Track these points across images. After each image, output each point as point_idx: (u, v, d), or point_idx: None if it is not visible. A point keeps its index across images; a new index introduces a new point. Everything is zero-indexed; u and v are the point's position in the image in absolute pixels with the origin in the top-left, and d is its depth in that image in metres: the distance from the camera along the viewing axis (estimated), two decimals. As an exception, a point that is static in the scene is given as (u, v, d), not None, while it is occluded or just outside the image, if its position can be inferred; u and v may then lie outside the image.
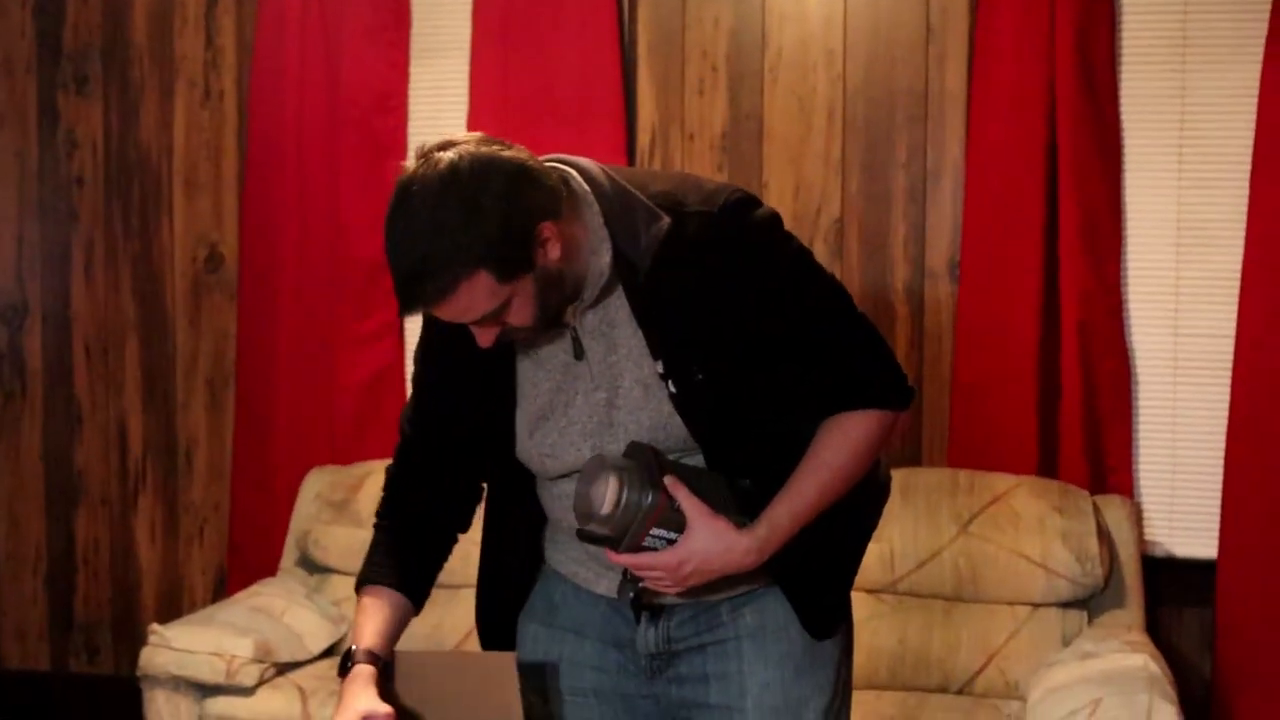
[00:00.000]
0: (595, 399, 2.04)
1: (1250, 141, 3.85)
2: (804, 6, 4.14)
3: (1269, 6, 3.82)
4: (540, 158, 1.96)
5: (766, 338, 2.00)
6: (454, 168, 1.84)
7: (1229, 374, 3.88)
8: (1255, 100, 3.85)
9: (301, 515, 4.20)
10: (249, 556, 4.43)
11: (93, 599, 4.69)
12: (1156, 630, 3.87)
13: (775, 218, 2.03)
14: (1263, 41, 3.84)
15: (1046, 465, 3.96)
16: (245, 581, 4.26)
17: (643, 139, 4.24)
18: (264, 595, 3.99)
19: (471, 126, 4.30)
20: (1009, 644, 3.69)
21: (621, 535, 1.96)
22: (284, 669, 3.78)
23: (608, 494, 1.94)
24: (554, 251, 1.91)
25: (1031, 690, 3.45)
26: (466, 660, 2.36)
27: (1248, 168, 3.85)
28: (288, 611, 3.91)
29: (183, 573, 4.61)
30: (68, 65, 4.64)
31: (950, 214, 4.07)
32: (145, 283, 4.61)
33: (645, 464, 1.97)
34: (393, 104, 4.38)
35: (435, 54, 4.40)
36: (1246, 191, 3.86)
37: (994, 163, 3.98)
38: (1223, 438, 3.88)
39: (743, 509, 2.03)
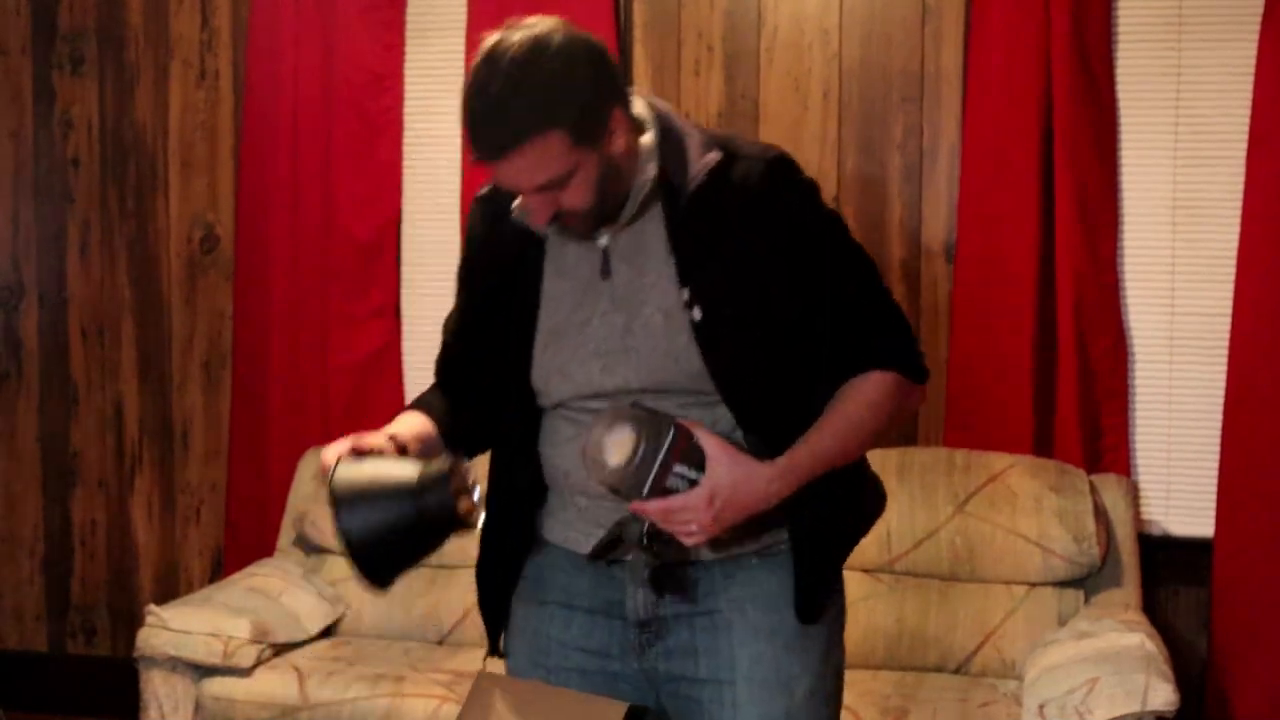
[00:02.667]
0: (613, 321, 2.05)
1: (1246, 119, 3.84)
2: (800, -15, 4.13)
3: (1265, -17, 3.82)
4: None
5: (797, 285, 2.04)
6: (548, 31, 1.94)
7: (1225, 352, 3.87)
8: (1251, 77, 3.83)
9: (298, 496, 4.21)
10: (245, 537, 4.43)
11: (89, 580, 4.69)
12: (1153, 609, 3.87)
13: (816, 184, 2.11)
14: (1258, 18, 3.83)
15: (1043, 444, 3.96)
16: (242, 562, 4.27)
17: (638, 119, 4.22)
18: (261, 576, 4.00)
19: (467, 106, 4.29)
20: (1005, 623, 3.69)
21: (644, 479, 1.92)
22: (281, 650, 3.78)
23: (626, 438, 1.92)
24: (619, 142, 1.97)
25: (1028, 669, 3.46)
26: (572, 701, 2.23)
27: (1244, 145, 3.85)
28: (285, 592, 3.92)
29: (179, 554, 4.62)
30: (63, 46, 4.63)
31: (946, 194, 4.07)
32: (141, 264, 4.60)
33: (651, 411, 1.97)
34: (388, 84, 4.38)
35: (430, 34, 4.39)
36: (1243, 169, 3.85)
37: (990, 142, 3.98)
38: (1219, 416, 3.88)
39: None
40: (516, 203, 2.06)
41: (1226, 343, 3.88)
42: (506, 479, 2.20)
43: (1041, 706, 3.19)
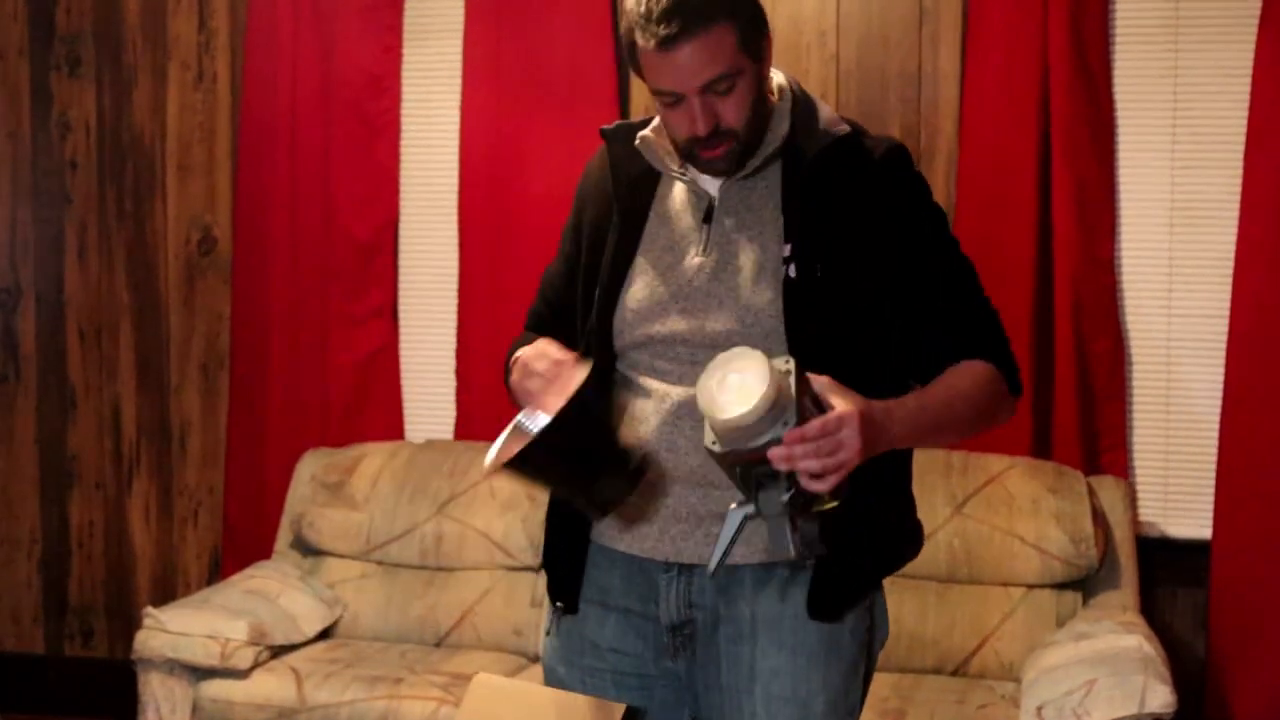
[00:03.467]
0: (703, 264, 2.08)
1: (1244, 120, 3.84)
2: (797, -13, 4.13)
3: (1263, -15, 3.82)
4: None
5: (897, 267, 2.06)
6: None
7: (1223, 354, 3.88)
8: (1248, 79, 3.84)
9: (296, 498, 4.21)
10: (243, 539, 4.43)
11: (87, 582, 4.69)
12: (1151, 611, 3.87)
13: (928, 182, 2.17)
14: (1256, 20, 3.83)
15: (1041, 446, 3.96)
16: (240, 564, 4.27)
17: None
18: (258, 578, 3.99)
19: (465, 109, 4.30)
20: (1003, 625, 3.69)
21: (786, 409, 1.78)
22: (278, 652, 3.78)
23: (755, 371, 1.78)
24: (768, 67, 2.08)
25: (1026, 671, 3.46)
26: (569, 703, 2.17)
27: (1241, 147, 3.85)
28: (282, 594, 3.92)
29: (177, 556, 4.61)
30: (61, 48, 4.63)
31: (943, 195, 4.06)
32: (139, 266, 4.60)
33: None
34: (385, 86, 4.38)
35: (428, 36, 4.39)
36: (1240, 170, 3.85)
37: (987, 144, 3.98)
38: (1216, 418, 3.88)
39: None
40: (644, 132, 2.14)
41: (1224, 344, 3.88)
42: None
43: (1039, 708, 3.19)
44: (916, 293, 2.06)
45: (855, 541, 2.06)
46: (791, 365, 1.82)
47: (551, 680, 2.23)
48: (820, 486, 1.82)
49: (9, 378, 4.71)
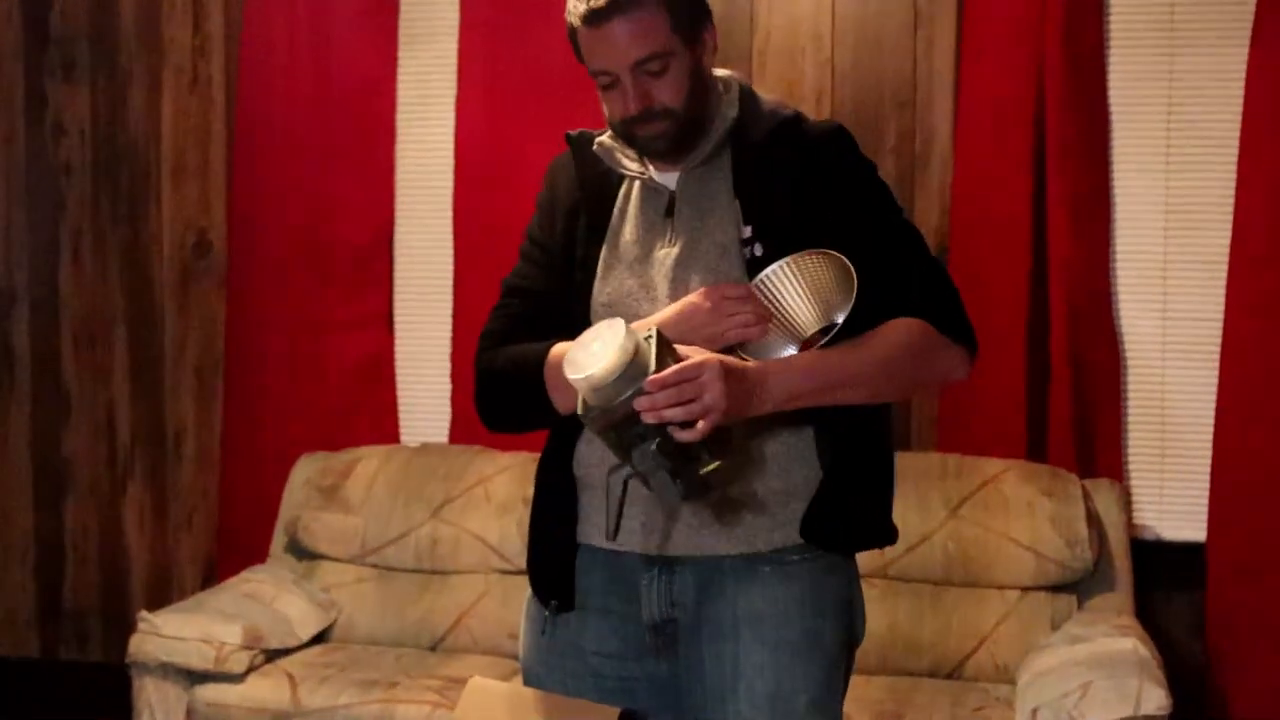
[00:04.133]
0: (668, 254, 2.14)
1: (1238, 125, 3.86)
2: (792, -9, 4.14)
3: (1256, -10, 3.83)
4: None
5: (848, 238, 2.09)
6: None
7: (1217, 357, 3.88)
8: (1242, 84, 3.85)
9: (291, 501, 4.20)
10: (238, 543, 4.42)
11: (82, 586, 4.68)
12: (1146, 614, 3.86)
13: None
14: (1249, 25, 3.84)
15: (1035, 449, 3.96)
16: (234, 568, 4.26)
17: (631, 124, 4.22)
18: (253, 582, 3.99)
19: (460, 112, 4.30)
20: (999, 628, 3.69)
21: (646, 366, 1.90)
22: (273, 656, 3.77)
23: (615, 336, 1.91)
24: (707, 60, 2.15)
25: (1021, 674, 3.46)
26: (563, 706, 2.21)
27: (1235, 151, 3.86)
28: (277, 598, 3.91)
29: (172, 560, 4.61)
30: (55, 51, 4.62)
31: (939, 198, 4.07)
32: (133, 270, 4.60)
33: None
34: (381, 90, 4.37)
35: (423, 39, 4.40)
36: (1234, 175, 3.86)
37: (982, 147, 3.98)
38: (1211, 421, 3.89)
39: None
40: (601, 138, 2.23)
41: (1219, 347, 3.88)
42: (550, 478, 2.23)
43: (1035, 711, 3.19)
44: (857, 257, 2.07)
45: (851, 473, 2.12)
46: (654, 333, 1.94)
47: (531, 683, 2.24)
48: (689, 435, 1.89)
49: (3, 382, 4.70)
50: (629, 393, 1.89)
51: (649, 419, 1.89)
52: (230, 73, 4.50)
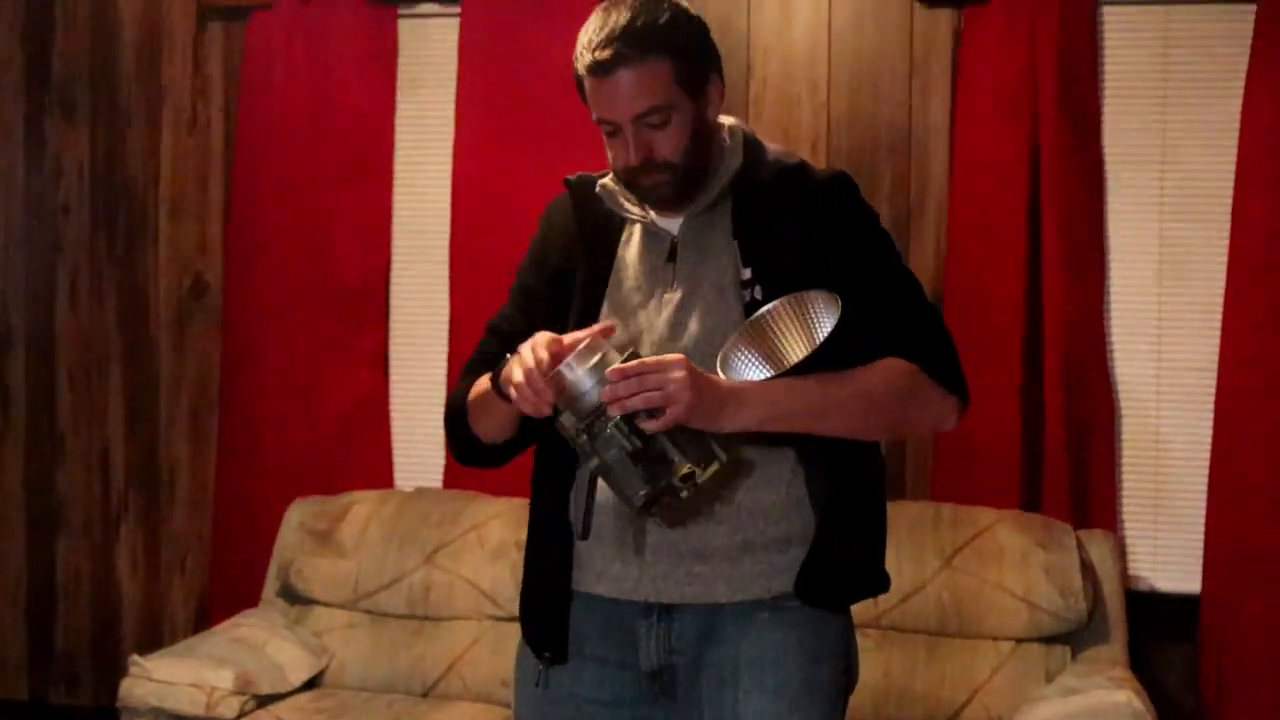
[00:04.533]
0: (669, 300, 2.16)
1: (1231, 174, 3.86)
2: (787, 38, 4.15)
3: (1249, 41, 3.84)
4: None
5: (855, 281, 2.10)
6: None
7: (1212, 407, 3.88)
8: (1236, 133, 3.86)
9: (284, 545, 4.19)
10: (230, 587, 4.41)
11: (73, 629, 4.66)
12: (1140, 665, 3.85)
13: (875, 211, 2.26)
14: (1243, 75, 3.86)
15: (1030, 499, 3.95)
16: (227, 612, 4.24)
17: (628, 169, 4.23)
18: (245, 626, 3.97)
19: (458, 155, 4.30)
20: (993, 679, 3.68)
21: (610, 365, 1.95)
22: (264, 701, 3.75)
23: (589, 351, 1.96)
24: (712, 111, 2.17)
25: (1014, 725, 3.44)
26: None
27: (1229, 200, 3.87)
28: (269, 643, 3.89)
29: (164, 603, 4.59)
30: (55, 92, 4.64)
31: (934, 245, 4.08)
32: (130, 310, 4.60)
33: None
34: (379, 131, 4.38)
35: (421, 84, 4.41)
36: (1228, 223, 3.87)
37: (978, 194, 3.99)
38: (1205, 471, 3.88)
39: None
40: (604, 180, 2.25)
41: (1213, 396, 3.88)
42: (545, 514, 2.23)
43: (1027, 764, 3.17)
44: (855, 303, 2.07)
45: (844, 523, 2.13)
46: (632, 351, 1.98)
47: None
48: (653, 425, 1.91)
49: (-2, 421, 4.70)
50: (593, 382, 1.94)
51: (613, 410, 1.92)
52: (229, 114, 4.51)
